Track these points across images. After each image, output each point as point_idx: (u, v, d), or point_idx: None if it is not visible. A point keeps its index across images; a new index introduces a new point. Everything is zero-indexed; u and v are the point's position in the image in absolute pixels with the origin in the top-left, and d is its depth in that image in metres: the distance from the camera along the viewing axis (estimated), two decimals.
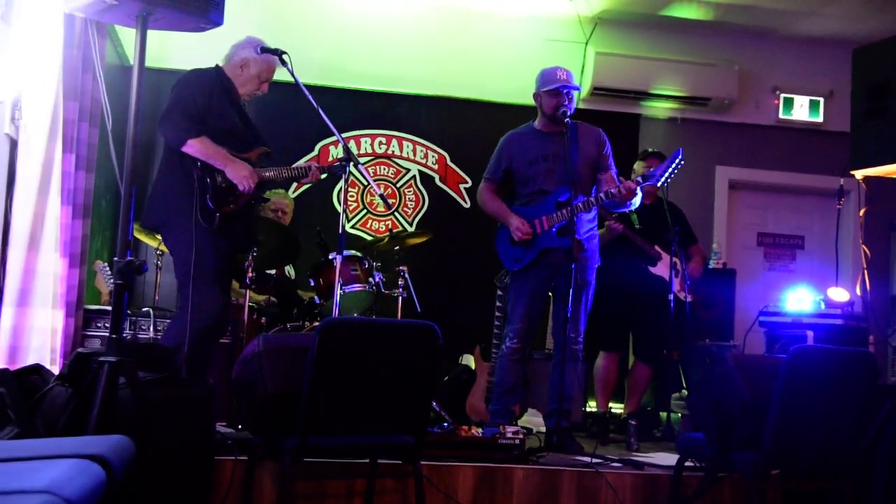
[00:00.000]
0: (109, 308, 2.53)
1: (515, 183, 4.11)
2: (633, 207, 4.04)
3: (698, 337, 5.16)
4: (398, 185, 6.07)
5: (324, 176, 3.75)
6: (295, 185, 5.65)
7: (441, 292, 5.48)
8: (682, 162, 4.00)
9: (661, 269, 4.76)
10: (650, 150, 5.00)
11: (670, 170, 3.96)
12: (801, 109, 6.40)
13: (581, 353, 4.00)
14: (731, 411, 2.88)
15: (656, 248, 4.78)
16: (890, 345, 4.31)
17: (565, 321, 3.78)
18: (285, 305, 4.83)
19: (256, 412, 2.71)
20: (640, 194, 3.95)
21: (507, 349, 4.02)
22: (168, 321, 3.82)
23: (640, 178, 3.96)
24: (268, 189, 3.77)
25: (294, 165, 3.80)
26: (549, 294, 4.14)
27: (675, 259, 4.68)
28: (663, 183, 4.01)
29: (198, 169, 3.34)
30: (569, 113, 3.90)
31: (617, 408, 5.18)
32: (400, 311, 4.75)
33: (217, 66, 3.57)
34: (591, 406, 5.09)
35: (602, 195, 3.87)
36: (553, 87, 3.94)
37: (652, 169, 4.07)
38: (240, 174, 3.37)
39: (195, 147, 3.32)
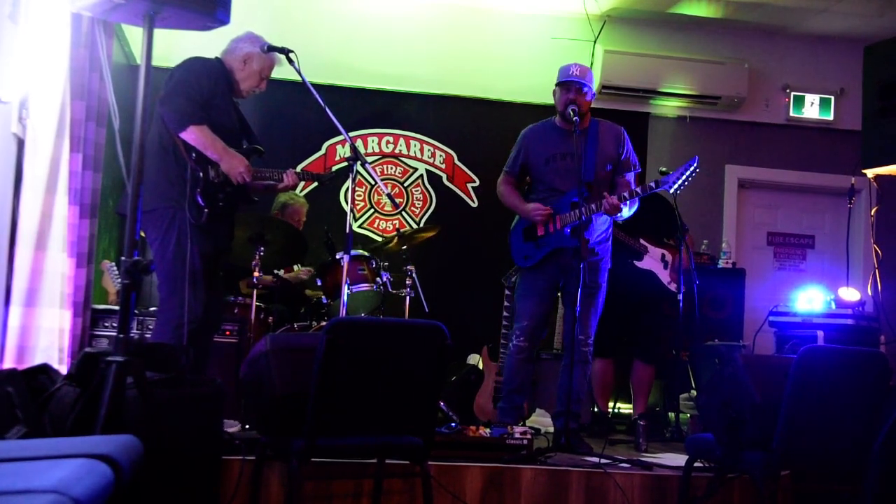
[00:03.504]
0: (117, 308, 2.53)
1: (532, 179, 4.10)
2: (622, 218, 3.98)
3: (707, 337, 5.13)
4: (406, 185, 6.06)
5: (302, 183, 3.61)
6: (302, 184, 5.64)
7: (449, 292, 5.47)
8: (698, 170, 3.93)
9: (649, 263, 4.65)
10: None
11: (684, 177, 3.88)
12: (812, 108, 6.36)
13: (591, 356, 3.98)
14: (740, 412, 2.86)
15: (641, 241, 4.65)
16: None
17: (574, 323, 3.75)
18: (289, 303, 4.83)
19: (264, 412, 2.70)
20: (626, 208, 3.86)
21: (514, 347, 3.99)
22: None
23: (651, 185, 3.91)
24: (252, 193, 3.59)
25: (269, 170, 3.58)
26: (559, 295, 4.12)
27: (663, 251, 4.65)
28: (675, 190, 3.92)
29: (192, 161, 3.28)
30: (578, 111, 3.84)
31: (626, 409, 5.15)
32: (407, 311, 4.74)
33: (218, 58, 3.51)
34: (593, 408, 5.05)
35: (593, 206, 3.83)
36: (561, 80, 3.95)
37: (666, 175, 3.97)
38: (235, 168, 3.33)
39: (194, 134, 3.25)
